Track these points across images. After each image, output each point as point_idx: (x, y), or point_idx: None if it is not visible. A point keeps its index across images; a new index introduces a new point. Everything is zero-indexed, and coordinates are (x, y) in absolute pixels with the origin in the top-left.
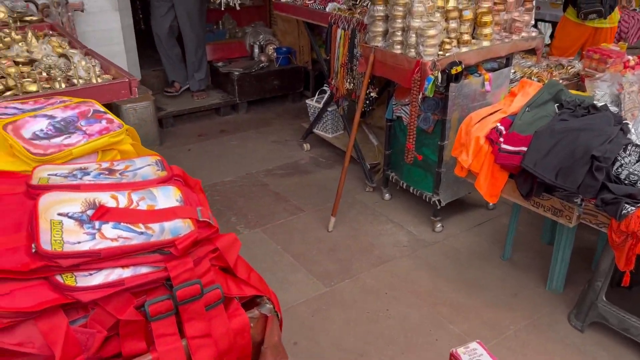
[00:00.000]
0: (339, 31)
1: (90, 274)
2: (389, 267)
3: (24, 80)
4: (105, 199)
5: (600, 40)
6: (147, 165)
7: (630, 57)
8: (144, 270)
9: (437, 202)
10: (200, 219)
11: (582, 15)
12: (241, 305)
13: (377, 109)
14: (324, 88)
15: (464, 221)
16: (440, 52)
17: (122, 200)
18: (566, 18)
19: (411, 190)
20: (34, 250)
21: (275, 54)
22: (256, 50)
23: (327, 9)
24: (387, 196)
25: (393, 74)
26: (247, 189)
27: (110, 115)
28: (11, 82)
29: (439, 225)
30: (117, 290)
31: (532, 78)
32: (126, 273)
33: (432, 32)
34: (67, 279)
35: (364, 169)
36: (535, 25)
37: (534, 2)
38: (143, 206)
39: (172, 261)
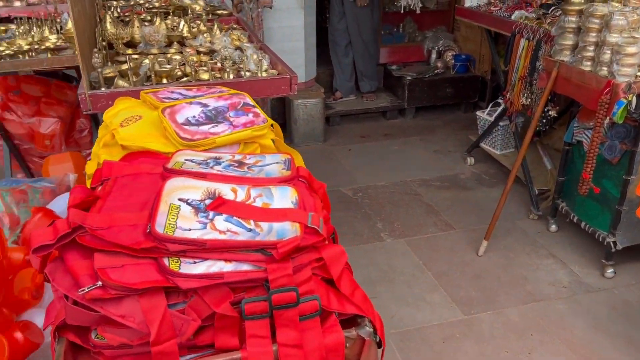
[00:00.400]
0: (522, 41)
1: (195, 262)
2: (540, 307)
3: (200, 68)
4: (225, 191)
5: None
6: (274, 163)
7: None
8: (245, 267)
9: (612, 244)
10: (309, 225)
11: None
12: (340, 323)
13: (558, 130)
14: (498, 100)
15: None
16: None
17: (241, 194)
18: None
19: (582, 226)
20: (148, 231)
21: (452, 61)
22: (433, 55)
23: (512, 17)
24: (553, 227)
25: (577, 93)
26: (399, 196)
27: (258, 110)
28: (188, 70)
29: (610, 271)
30: (216, 283)
31: None
32: (227, 267)
33: (632, 49)
34: (172, 263)
35: (530, 194)
36: None
37: None
38: (259, 203)
39: (272, 263)
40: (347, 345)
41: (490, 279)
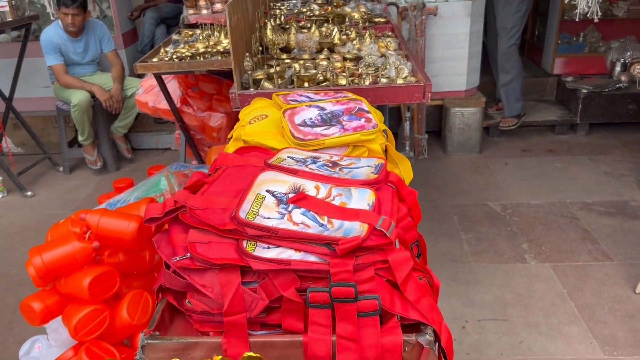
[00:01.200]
0: None
1: (269, 248)
2: None
3: (341, 74)
4: (309, 187)
5: None
6: (366, 166)
7: None
8: (311, 258)
9: None
10: (377, 227)
11: None
12: (405, 327)
13: None
14: None
15: None
16: None
17: (323, 191)
18: None
19: None
20: (233, 215)
21: None
22: (617, 68)
23: None
24: None
25: None
26: (553, 218)
27: (371, 115)
28: (329, 75)
29: None
30: (283, 268)
31: None
32: (296, 256)
33: None
34: (249, 246)
35: None
36: None
37: None
38: (337, 202)
39: (335, 258)
40: (406, 349)
41: None
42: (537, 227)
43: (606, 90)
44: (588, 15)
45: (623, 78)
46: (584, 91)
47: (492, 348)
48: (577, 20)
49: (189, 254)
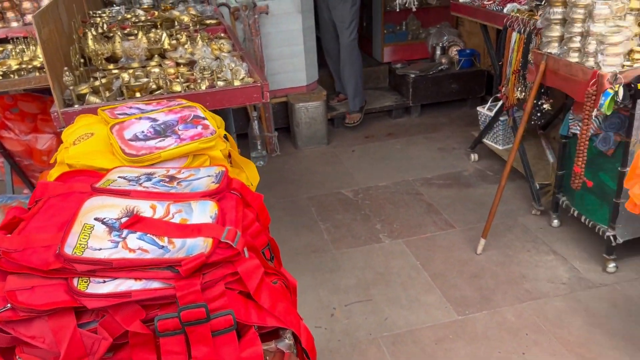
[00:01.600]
0: (514, 35)
1: (104, 282)
2: (537, 305)
3: (175, 80)
4: (144, 208)
5: None
6: (206, 177)
7: None
8: (155, 285)
9: (612, 238)
10: (222, 240)
11: None
12: (265, 335)
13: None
14: (498, 95)
15: None
16: (627, 63)
17: (160, 210)
18: None
19: (583, 220)
20: (57, 252)
21: (457, 56)
22: (438, 51)
23: (504, 10)
24: (555, 223)
25: (565, 85)
26: (399, 196)
27: (208, 122)
28: (161, 82)
29: (611, 265)
30: (124, 301)
31: None
32: (136, 286)
33: (616, 38)
34: (80, 283)
35: (531, 189)
36: None
37: None
38: (177, 219)
39: (180, 280)
40: (267, 358)
41: (487, 277)
42: (386, 207)
43: (431, 73)
44: (407, 5)
45: (443, 61)
46: (412, 76)
47: (361, 329)
48: (398, 10)
49: (9, 305)
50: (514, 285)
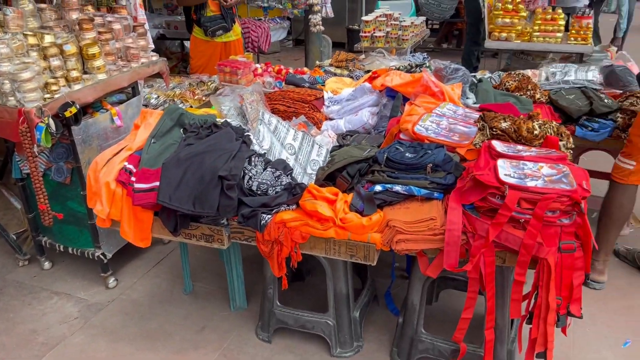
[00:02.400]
0: None
1: None
2: (59, 353)
3: None
4: None
5: (231, 53)
6: None
7: (258, 65)
8: None
9: (102, 257)
10: None
11: (210, 33)
12: None
13: None
14: None
15: (140, 266)
16: (48, 95)
17: None
18: (195, 37)
19: (71, 251)
20: None
21: None
22: None
23: None
24: (46, 265)
25: (0, 129)
26: None
27: None
28: None
29: (111, 281)
30: None
31: (176, 100)
32: None
33: (26, 75)
34: None
35: (8, 241)
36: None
37: (146, 26)
38: None
39: None
40: None
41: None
42: None
43: None
44: None
45: None
46: None
47: None
48: None
49: None
50: (27, 346)
